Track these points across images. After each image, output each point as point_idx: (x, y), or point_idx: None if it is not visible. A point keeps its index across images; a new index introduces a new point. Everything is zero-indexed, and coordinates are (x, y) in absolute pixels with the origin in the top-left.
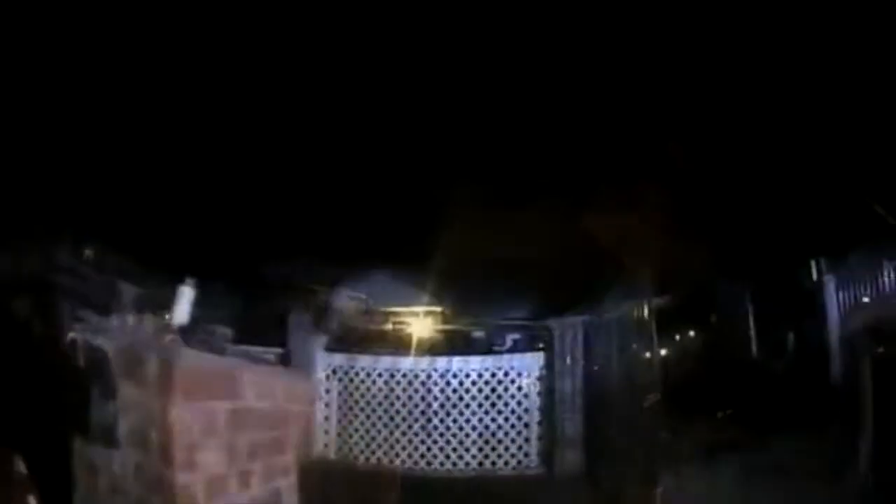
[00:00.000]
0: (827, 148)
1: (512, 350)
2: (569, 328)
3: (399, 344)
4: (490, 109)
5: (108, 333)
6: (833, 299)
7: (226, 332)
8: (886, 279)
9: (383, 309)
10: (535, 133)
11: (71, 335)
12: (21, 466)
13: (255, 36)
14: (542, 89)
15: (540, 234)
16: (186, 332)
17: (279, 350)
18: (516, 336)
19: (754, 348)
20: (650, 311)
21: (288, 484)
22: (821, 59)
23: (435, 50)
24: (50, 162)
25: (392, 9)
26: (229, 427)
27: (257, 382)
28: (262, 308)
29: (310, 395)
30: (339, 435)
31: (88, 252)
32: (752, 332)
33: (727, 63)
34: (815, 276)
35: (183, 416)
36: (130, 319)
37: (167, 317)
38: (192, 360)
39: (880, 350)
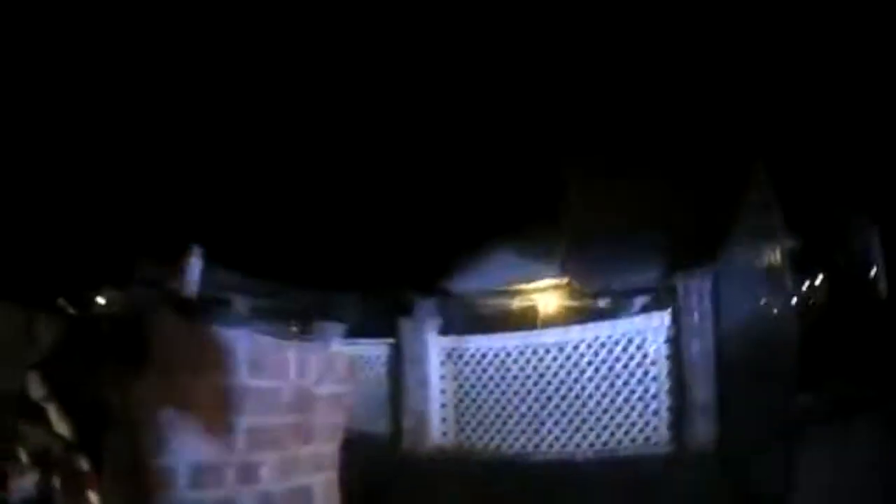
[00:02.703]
0: None
1: (639, 314)
2: (695, 283)
3: (522, 322)
4: (599, 81)
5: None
6: None
7: (337, 326)
8: None
9: (506, 287)
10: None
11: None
12: (83, 463)
13: None
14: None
15: (657, 193)
16: (190, 305)
17: (390, 340)
18: (643, 300)
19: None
20: (783, 253)
21: (324, 480)
22: None
23: (553, 26)
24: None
25: None
26: (218, 408)
27: (257, 357)
28: (379, 303)
29: (347, 375)
30: (456, 422)
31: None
32: (883, 276)
33: None
34: None
35: (150, 390)
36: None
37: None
38: (162, 329)
39: None
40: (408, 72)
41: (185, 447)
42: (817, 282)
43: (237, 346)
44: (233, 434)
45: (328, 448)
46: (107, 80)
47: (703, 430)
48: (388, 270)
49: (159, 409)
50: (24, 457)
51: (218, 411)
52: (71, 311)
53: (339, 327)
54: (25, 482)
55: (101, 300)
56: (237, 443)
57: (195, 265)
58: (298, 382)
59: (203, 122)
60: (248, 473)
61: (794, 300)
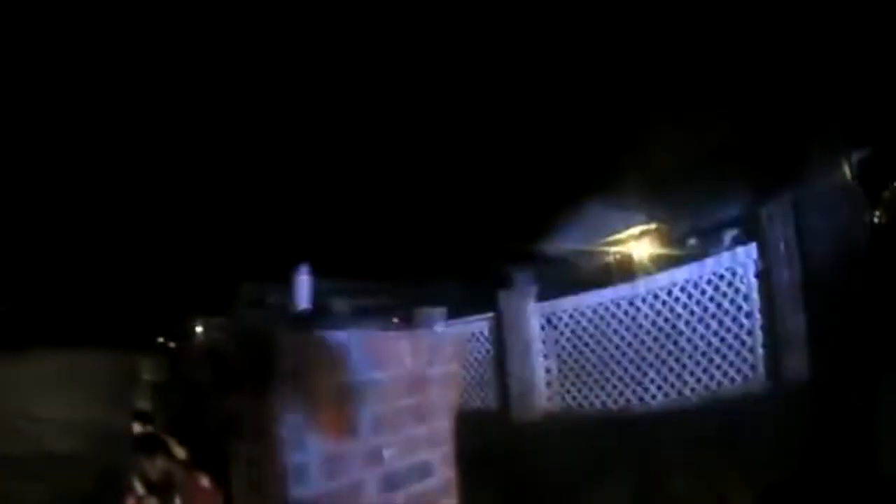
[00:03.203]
0: None
1: (729, 249)
2: (778, 210)
3: (617, 274)
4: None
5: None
6: None
7: (439, 310)
8: None
9: (597, 242)
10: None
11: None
12: (204, 481)
13: None
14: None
15: (733, 123)
16: (305, 317)
17: (491, 314)
18: (732, 233)
19: None
20: (851, 169)
21: (441, 455)
22: None
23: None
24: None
25: None
26: (343, 402)
27: (374, 351)
28: (476, 280)
29: (455, 355)
30: (560, 384)
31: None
32: None
33: None
34: None
35: (280, 396)
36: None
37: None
38: (287, 340)
39: None
40: (475, 50)
41: (317, 442)
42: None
43: (355, 346)
44: (358, 424)
45: (443, 424)
46: (190, 112)
47: (799, 363)
48: (481, 247)
49: (292, 413)
50: (140, 487)
51: (344, 406)
52: (172, 345)
53: (440, 311)
54: None
55: (199, 329)
56: (362, 431)
57: (304, 280)
58: (412, 368)
59: (290, 138)
60: (373, 457)
61: (873, 215)
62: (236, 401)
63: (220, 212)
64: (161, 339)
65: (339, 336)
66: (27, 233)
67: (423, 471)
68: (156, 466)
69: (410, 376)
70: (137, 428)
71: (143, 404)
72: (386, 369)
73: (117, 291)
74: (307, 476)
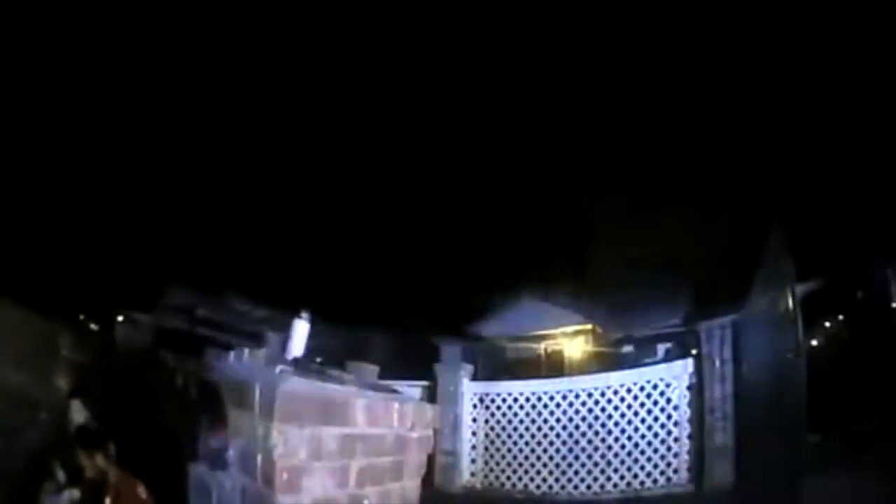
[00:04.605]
0: None
1: (663, 361)
2: (716, 330)
3: (548, 367)
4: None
5: (221, 367)
6: None
7: (373, 367)
8: None
9: (532, 333)
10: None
11: (187, 371)
12: (142, 490)
13: None
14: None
15: (681, 237)
16: (302, 365)
17: (425, 383)
18: (667, 346)
19: None
20: (794, 300)
21: None
22: None
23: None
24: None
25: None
26: (338, 452)
27: (371, 409)
28: (410, 345)
29: (432, 421)
30: (485, 463)
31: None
32: None
33: None
34: None
35: (287, 440)
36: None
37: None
38: (297, 387)
39: None
40: (437, 129)
41: (312, 485)
42: (837, 321)
43: (358, 401)
44: (348, 473)
45: (413, 483)
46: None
47: (722, 471)
48: (417, 313)
49: (293, 454)
50: (60, 475)
51: (340, 455)
52: (93, 327)
53: (372, 368)
54: (58, 501)
55: (121, 319)
56: (350, 480)
57: (304, 327)
58: (398, 429)
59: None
60: None
61: (811, 343)
62: (223, 436)
63: (167, 212)
64: (83, 317)
65: (346, 390)
66: None
67: None
68: (93, 463)
69: (396, 436)
70: (77, 414)
71: (64, 382)
72: (380, 426)
73: (46, 246)
74: None
